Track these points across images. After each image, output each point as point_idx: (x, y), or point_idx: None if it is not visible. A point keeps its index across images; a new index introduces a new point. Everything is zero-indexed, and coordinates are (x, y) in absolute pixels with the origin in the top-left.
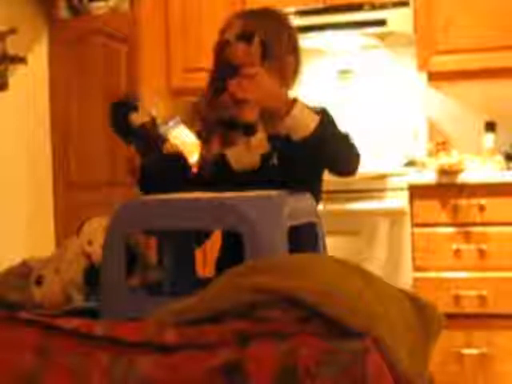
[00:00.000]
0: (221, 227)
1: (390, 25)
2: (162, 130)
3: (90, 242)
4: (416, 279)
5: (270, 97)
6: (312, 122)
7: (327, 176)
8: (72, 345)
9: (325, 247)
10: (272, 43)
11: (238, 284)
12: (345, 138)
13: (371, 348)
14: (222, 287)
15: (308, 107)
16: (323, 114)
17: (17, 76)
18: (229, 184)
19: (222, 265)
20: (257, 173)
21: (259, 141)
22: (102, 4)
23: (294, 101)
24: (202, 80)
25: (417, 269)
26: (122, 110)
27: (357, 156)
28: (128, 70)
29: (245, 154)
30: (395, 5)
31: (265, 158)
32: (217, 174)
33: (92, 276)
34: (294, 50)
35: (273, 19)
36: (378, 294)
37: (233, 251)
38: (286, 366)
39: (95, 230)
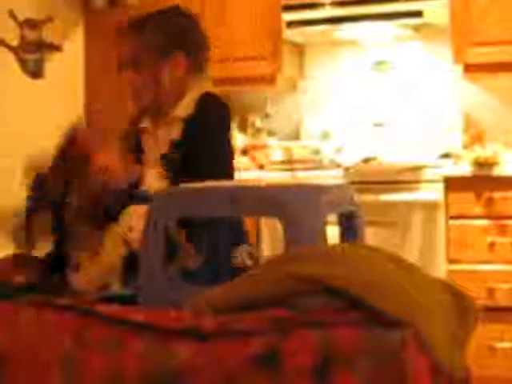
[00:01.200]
0: (261, 215)
1: (425, 16)
2: None
3: (130, 230)
4: (450, 271)
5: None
6: None
7: (362, 166)
8: (109, 331)
9: (363, 237)
10: (144, 54)
11: (277, 272)
12: None
13: (411, 339)
14: (262, 275)
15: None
16: None
17: (52, 64)
18: None
19: None
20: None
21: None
22: None
23: None
24: (238, 69)
25: (451, 261)
26: None
27: None
28: None
29: None
30: None
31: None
32: None
33: (131, 263)
34: (182, 45)
35: (146, 27)
36: (417, 284)
37: None
38: (324, 356)
39: (136, 217)
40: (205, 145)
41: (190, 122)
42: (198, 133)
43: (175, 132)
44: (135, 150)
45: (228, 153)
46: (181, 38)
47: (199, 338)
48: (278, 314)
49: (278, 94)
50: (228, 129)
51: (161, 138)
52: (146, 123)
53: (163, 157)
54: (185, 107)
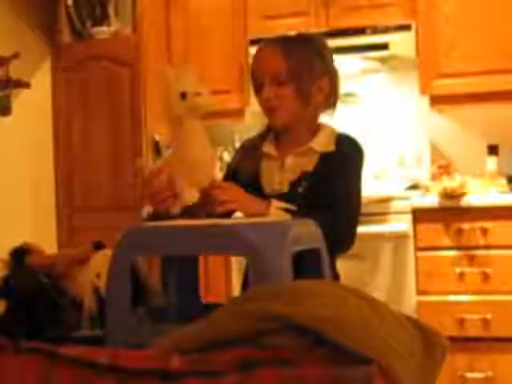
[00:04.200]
0: (225, 253)
1: (392, 48)
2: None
3: (98, 276)
4: (419, 303)
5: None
6: None
7: None
8: (75, 373)
9: (328, 273)
10: (300, 68)
11: (242, 311)
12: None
13: (378, 375)
14: (227, 314)
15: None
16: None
17: (20, 101)
18: None
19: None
20: (284, 197)
21: (289, 165)
22: (104, 29)
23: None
24: None
25: (420, 292)
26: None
27: (344, 238)
28: (131, 94)
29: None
30: (397, 29)
31: (293, 184)
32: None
33: (100, 308)
34: (328, 72)
35: (301, 45)
36: (384, 320)
37: None
38: None
39: (103, 263)
40: (341, 181)
41: (329, 157)
42: (336, 169)
43: (308, 164)
44: (252, 175)
45: (359, 195)
46: (329, 62)
47: (166, 378)
48: (244, 352)
49: (247, 127)
50: (361, 174)
51: (288, 166)
52: (268, 148)
53: (293, 184)
54: (321, 142)
